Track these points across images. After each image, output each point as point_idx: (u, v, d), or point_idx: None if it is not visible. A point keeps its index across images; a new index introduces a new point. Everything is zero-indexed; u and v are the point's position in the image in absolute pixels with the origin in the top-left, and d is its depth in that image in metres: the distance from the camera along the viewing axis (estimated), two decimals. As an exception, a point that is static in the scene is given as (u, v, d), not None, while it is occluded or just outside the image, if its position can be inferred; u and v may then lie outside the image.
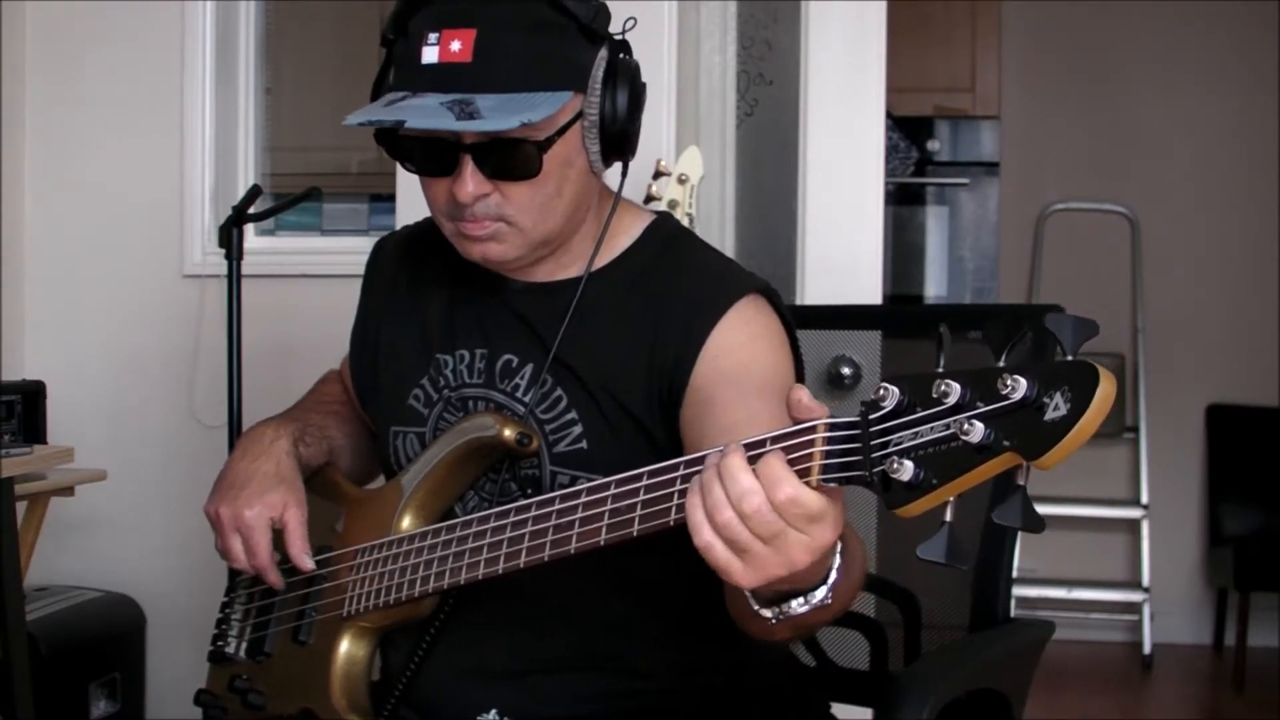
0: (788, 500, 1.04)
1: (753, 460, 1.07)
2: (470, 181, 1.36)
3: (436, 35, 1.34)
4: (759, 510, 1.05)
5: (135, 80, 3.08)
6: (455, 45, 1.33)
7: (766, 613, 1.16)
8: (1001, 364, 0.97)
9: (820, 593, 1.14)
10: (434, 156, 1.38)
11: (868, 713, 1.81)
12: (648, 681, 1.47)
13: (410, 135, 1.37)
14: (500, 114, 1.30)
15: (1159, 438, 4.97)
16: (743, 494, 1.05)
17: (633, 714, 1.46)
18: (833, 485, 1.06)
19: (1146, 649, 4.75)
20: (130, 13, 3.07)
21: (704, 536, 1.07)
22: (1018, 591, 4.37)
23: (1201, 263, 5.06)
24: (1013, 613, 1.70)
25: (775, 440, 1.08)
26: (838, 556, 1.15)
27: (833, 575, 1.14)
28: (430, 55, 1.34)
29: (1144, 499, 4.93)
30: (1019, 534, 1.70)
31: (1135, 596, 4.86)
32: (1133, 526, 4.97)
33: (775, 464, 1.05)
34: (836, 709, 1.67)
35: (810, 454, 1.06)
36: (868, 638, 1.78)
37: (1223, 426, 5.01)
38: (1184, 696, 4.56)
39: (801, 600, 1.14)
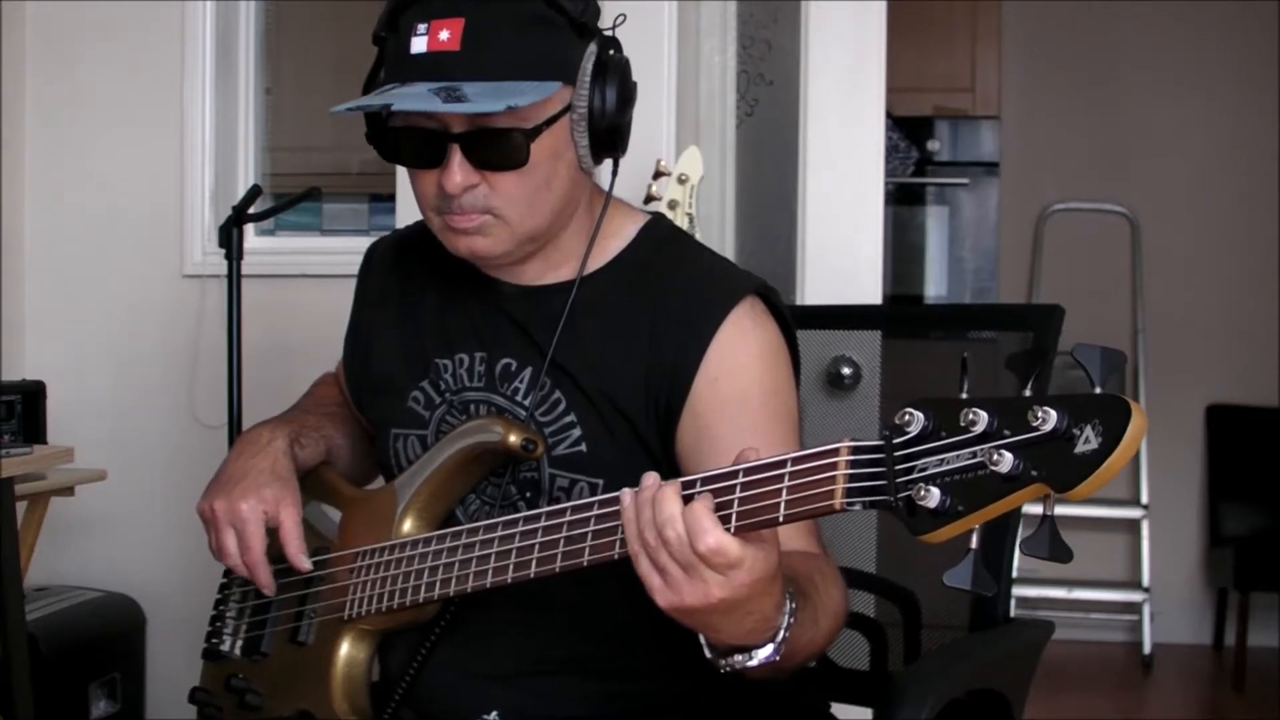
0: (709, 551, 1.11)
1: (775, 480, 1.11)
2: (458, 172, 1.36)
3: (425, 25, 1.34)
4: (680, 538, 1.12)
5: (135, 80, 3.09)
6: (444, 34, 1.33)
7: (720, 662, 1.22)
8: (1028, 393, 0.97)
9: (766, 651, 1.20)
10: (422, 147, 1.38)
11: (868, 713, 1.81)
12: (648, 682, 1.47)
13: (399, 127, 1.38)
14: (486, 98, 1.31)
15: (1159, 438, 4.96)
16: (667, 520, 1.13)
17: (632, 715, 1.46)
18: (769, 530, 1.12)
19: (1146, 649, 4.75)
20: (130, 12, 3.07)
21: (633, 546, 1.17)
22: (1018, 591, 4.36)
23: (1201, 263, 5.06)
24: (1013, 613, 1.70)
25: (798, 460, 1.10)
26: (787, 616, 1.20)
27: (780, 634, 1.19)
28: (419, 45, 1.34)
29: (1144, 499, 4.93)
30: (1019, 535, 1.70)
31: (1135, 596, 4.86)
32: (1133, 526, 4.97)
33: (701, 512, 1.12)
34: (836, 709, 1.67)
35: (834, 476, 1.07)
36: (868, 638, 1.78)
37: (1223, 426, 5.01)
38: (1184, 696, 4.56)
39: (747, 655, 1.20)
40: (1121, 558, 5.03)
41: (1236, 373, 4.98)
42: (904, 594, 1.77)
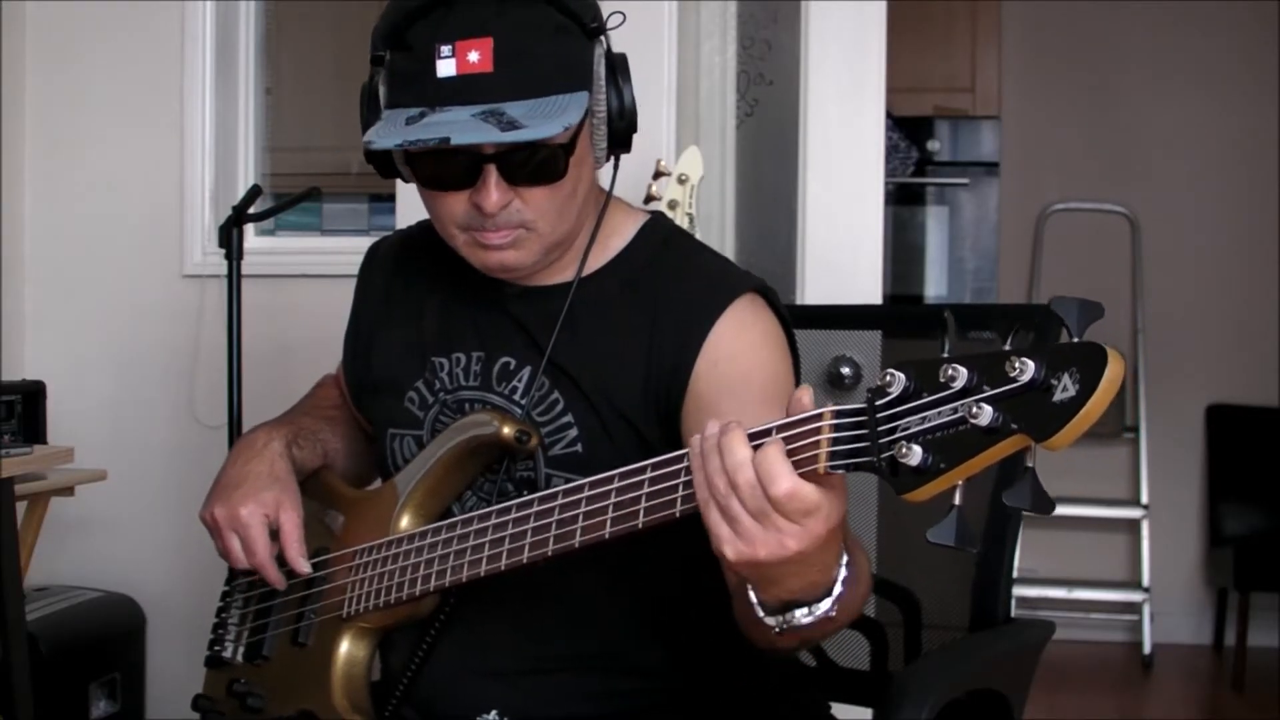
0: (785, 496, 1.06)
1: (757, 448, 1.09)
2: (495, 191, 1.34)
3: (450, 47, 1.31)
4: (752, 484, 1.07)
5: (135, 80, 3.09)
6: (473, 55, 1.31)
7: (770, 621, 1.17)
8: (1007, 348, 0.97)
9: (825, 604, 1.15)
10: (452, 170, 1.35)
11: (868, 713, 1.81)
12: (647, 681, 1.47)
13: (421, 152, 1.34)
14: (538, 120, 1.29)
15: (1159, 438, 4.96)
16: (738, 465, 1.08)
17: (633, 714, 1.46)
18: (838, 474, 1.07)
19: (1146, 649, 4.75)
20: (130, 13, 3.07)
21: (701, 494, 1.11)
22: (1018, 591, 4.35)
23: (1201, 263, 5.06)
24: (1013, 613, 1.70)
25: (781, 429, 1.09)
26: (843, 569, 1.16)
27: (838, 588, 1.15)
28: (447, 68, 1.31)
29: (1144, 499, 4.93)
30: (1020, 534, 1.70)
31: (1135, 596, 4.86)
32: (1133, 526, 4.97)
33: (774, 456, 1.07)
34: (836, 709, 1.67)
35: (817, 441, 1.06)
36: (868, 638, 1.78)
37: (1223, 426, 5.01)
38: (1184, 696, 4.55)
39: (806, 611, 1.16)
40: (1121, 558, 5.03)
41: (1236, 373, 4.98)
42: (904, 594, 1.77)
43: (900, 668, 1.75)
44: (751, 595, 1.18)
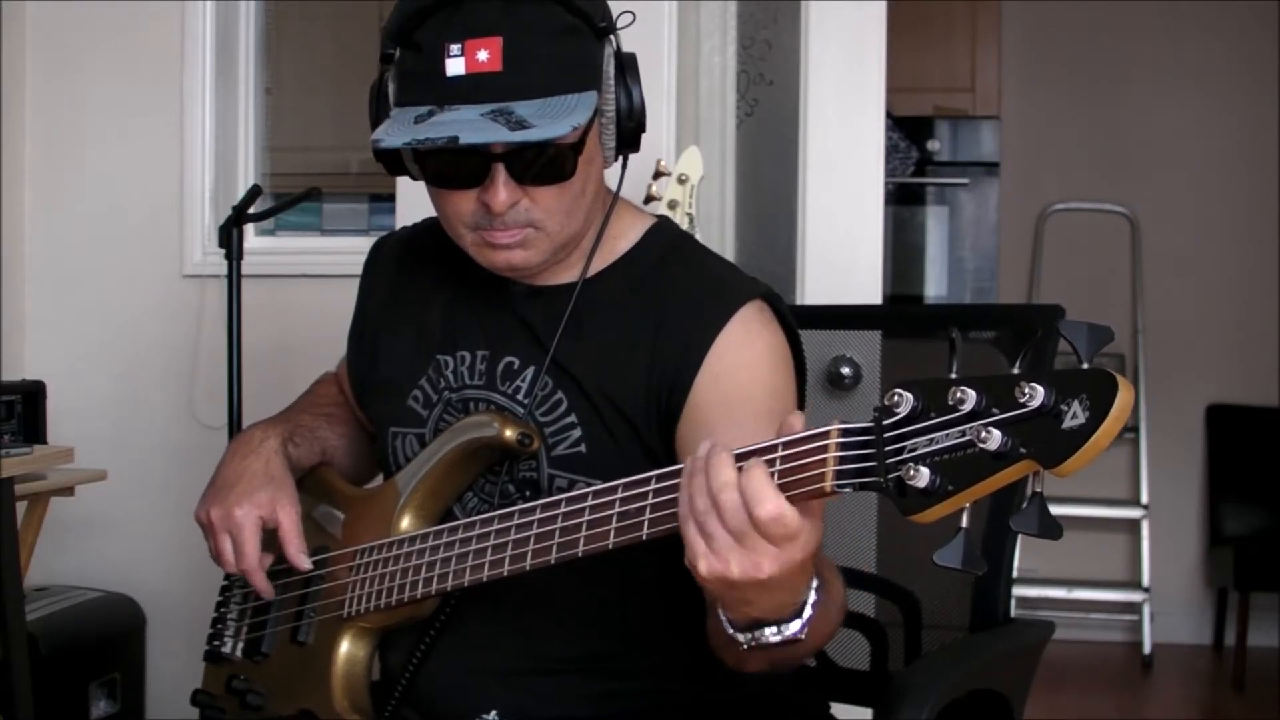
0: (769, 518, 1.07)
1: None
2: (504, 190, 1.35)
3: (459, 46, 1.31)
4: (736, 505, 1.08)
5: (135, 80, 3.09)
6: (482, 55, 1.31)
7: (740, 637, 1.19)
8: (1016, 371, 0.97)
9: (794, 625, 1.17)
10: (461, 169, 1.35)
11: (868, 713, 1.81)
12: (648, 682, 1.47)
13: (433, 149, 1.33)
14: (547, 120, 1.29)
15: (1159, 438, 4.96)
16: (722, 486, 1.09)
17: (633, 715, 1.46)
18: (816, 502, 1.09)
19: (1146, 649, 4.75)
20: (130, 13, 3.07)
21: (681, 510, 1.13)
22: (1018, 591, 4.37)
23: (1201, 263, 5.06)
24: (1013, 613, 1.71)
25: (789, 445, 1.09)
26: (813, 592, 1.17)
27: (808, 610, 1.17)
28: (456, 67, 1.31)
29: (1144, 499, 4.93)
30: (1020, 534, 1.70)
31: (1135, 596, 4.86)
32: (1133, 526, 4.97)
33: (760, 479, 1.08)
34: (836, 709, 1.67)
35: (824, 459, 1.06)
36: (868, 638, 1.78)
37: (1223, 426, 5.01)
38: (1184, 696, 4.55)
39: (775, 630, 1.17)
40: (1121, 558, 5.03)
41: (1236, 373, 4.98)
42: (904, 594, 1.77)
43: (900, 668, 1.75)
44: (721, 613, 1.20)
